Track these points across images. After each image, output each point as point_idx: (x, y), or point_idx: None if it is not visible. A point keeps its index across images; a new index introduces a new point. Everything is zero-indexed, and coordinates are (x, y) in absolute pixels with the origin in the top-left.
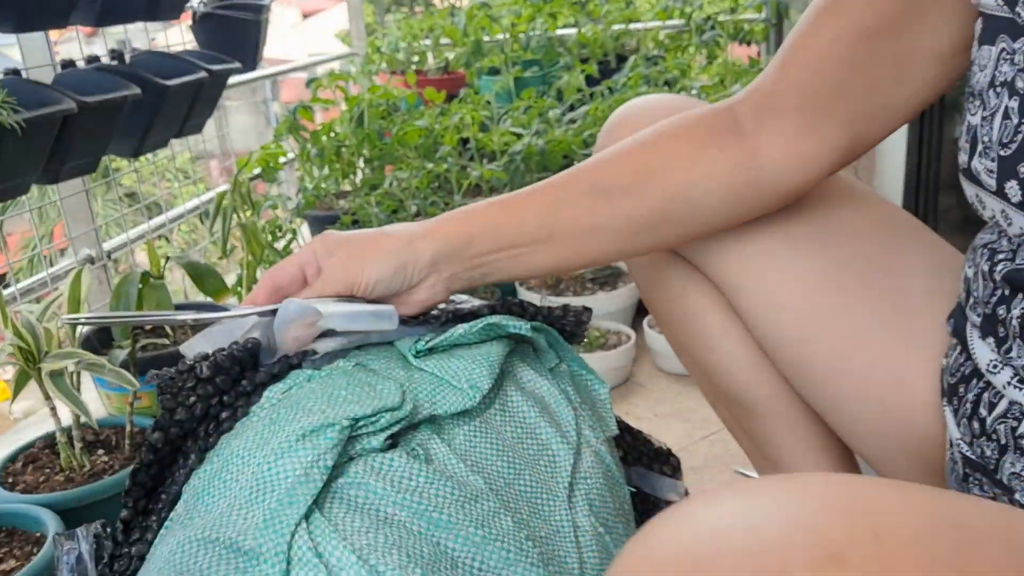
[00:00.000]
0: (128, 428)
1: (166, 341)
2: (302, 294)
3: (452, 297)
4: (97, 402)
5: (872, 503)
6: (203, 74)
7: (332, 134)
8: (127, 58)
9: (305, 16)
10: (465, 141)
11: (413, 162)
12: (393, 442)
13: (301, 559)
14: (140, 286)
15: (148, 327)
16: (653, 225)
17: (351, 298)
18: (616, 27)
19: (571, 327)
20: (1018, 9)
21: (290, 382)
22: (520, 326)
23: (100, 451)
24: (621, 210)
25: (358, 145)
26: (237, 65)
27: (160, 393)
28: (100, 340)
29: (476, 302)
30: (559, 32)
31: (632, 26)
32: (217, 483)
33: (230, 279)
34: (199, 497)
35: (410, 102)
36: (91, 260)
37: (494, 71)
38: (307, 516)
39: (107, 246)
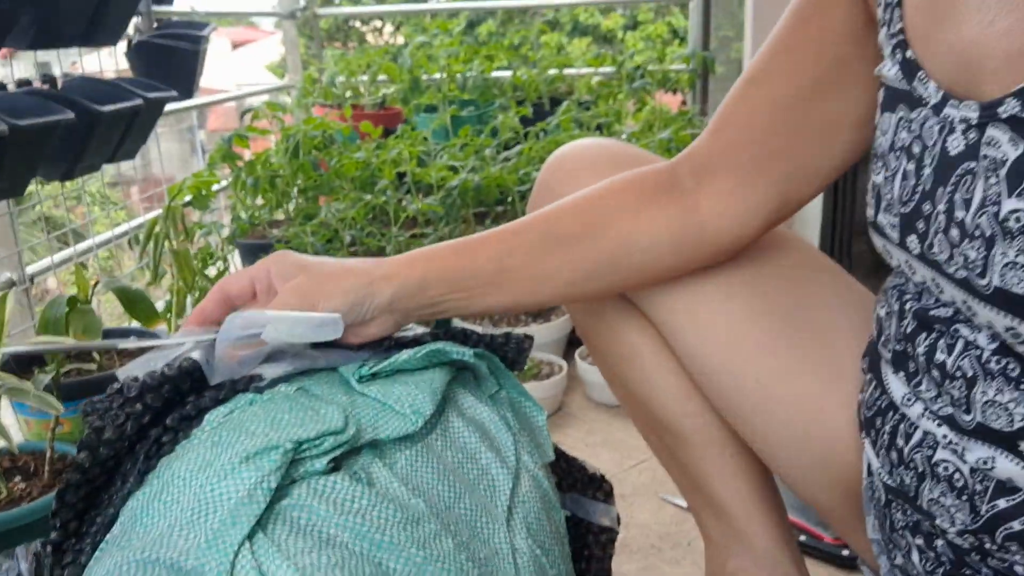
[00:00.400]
0: (49, 454)
1: (92, 367)
2: (249, 307)
3: None
4: (15, 427)
5: None
6: (138, 101)
7: (267, 163)
8: (59, 83)
9: (235, 46)
10: (402, 175)
11: (350, 194)
12: (335, 465)
13: None
14: (67, 310)
15: (72, 353)
16: (602, 273)
17: None
18: (550, 72)
19: (512, 355)
20: (915, 84)
21: (232, 405)
22: (463, 352)
23: (18, 477)
24: (572, 257)
25: (293, 175)
26: (173, 93)
27: (86, 415)
28: (19, 364)
29: (420, 330)
30: (495, 74)
31: (565, 71)
32: (157, 504)
33: (159, 306)
34: (137, 519)
35: (345, 134)
36: (12, 284)
37: (431, 108)
38: (250, 537)
39: (29, 270)
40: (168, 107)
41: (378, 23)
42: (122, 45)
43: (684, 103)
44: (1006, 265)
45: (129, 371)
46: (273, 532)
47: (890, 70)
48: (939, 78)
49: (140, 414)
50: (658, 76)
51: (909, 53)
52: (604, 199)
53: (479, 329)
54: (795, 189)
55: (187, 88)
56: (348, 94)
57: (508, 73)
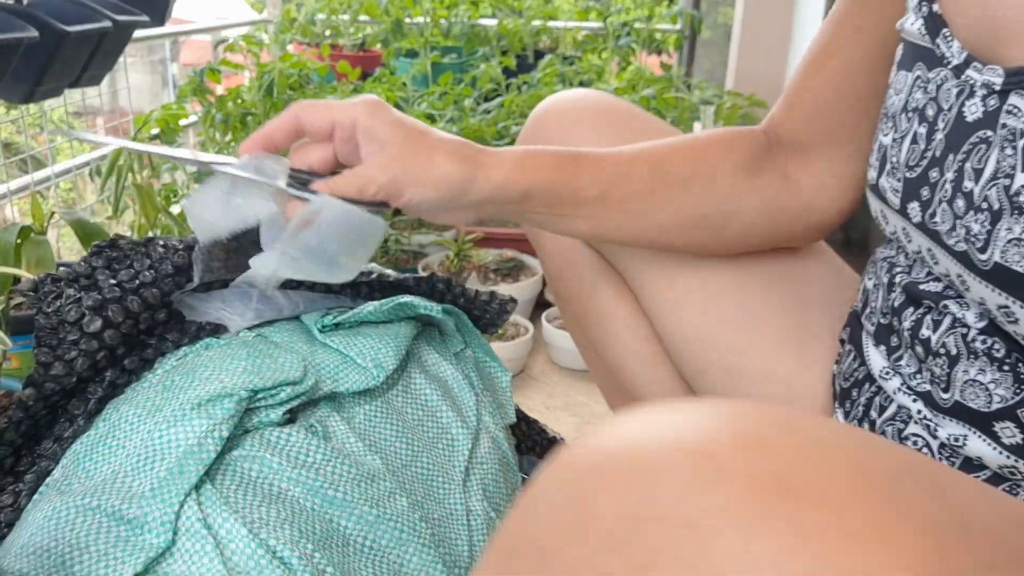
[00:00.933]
0: None
1: None
2: (340, 180)
3: (373, 267)
4: None
5: (794, 416)
6: (107, 23)
7: (239, 100)
8: (25, 1)
9: None
10: None
11: None
12: (291, 417)
13: (189, 530)
14: (19, 240)
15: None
16: (701, 225)
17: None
18: (536, 23)
19: (493, 315)
20: (938, 41)
21: (186, 348)
22: (431, 307)
23: None
24: (678, 200)
25: (265, 114)
26: (145, 18)
27: (37, 345)
28: None
29: (390, 274)
30: (480, 22)
31: (551, 24)
32: (102, 449)
33: None
34: (80, 463)
35: (322, 74)
36: None
37: (412, 53)
38: (197, 487)
39: None
40: (139, 34)
41: None
42: None
43: (673, 62)
44: (1010, 241)
45: (191, 208)
46: (222, 484)
47: (913, 23)
48: (963, 37)
49: (95, 351)
50: (644, 34)
51: (936, 7)
52: (713, 150)
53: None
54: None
55: (160, 14)
56: (327, 33)
57: (494, 22)
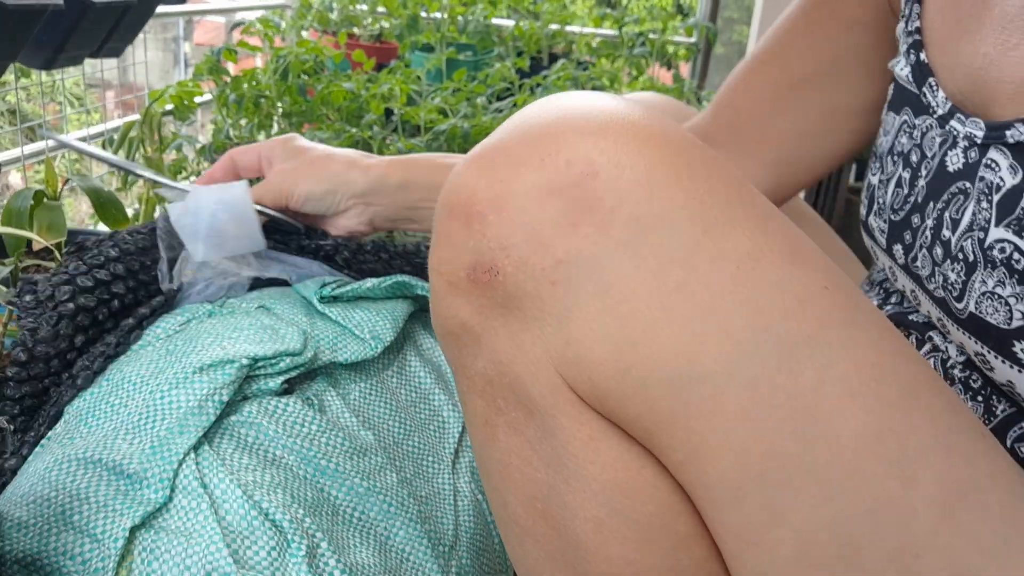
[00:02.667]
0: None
1: (52, 265)
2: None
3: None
4: None
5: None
6: None
7: (254, 83)
8: None
9: None
10: (390, 112)
11: (335, 124)
12: (289, 389)
13: (186, 488)
14: (32, 204)
15: (37, 248)
16: None
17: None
18: (552, 26)
19: None
20: (924, 90)
21: (189, 315)
22: (428, 287)
23: None
24: None
25: (279, 96)
26: None
27: (22, 310)
28: None
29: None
30: (497, 21)
31: (567, 28)
32: (104, 407)
33: (128, 213)
34: (83, 419)
35: (336, 62)
36: None
37: (428, 48)
38: (196, 448)
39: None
40: (164, 9)
41: None
42: None
43: (680, 78)
44: (983, 293)
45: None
46: (219, 446)
47: (902, 69)
48: (950, 89)
49: (73, 314)
50: (658, 44)
51: (923, 56)
52: None
53: None
54: (791, 174)
55: None
56: (344, 22)
57: (510, 22)
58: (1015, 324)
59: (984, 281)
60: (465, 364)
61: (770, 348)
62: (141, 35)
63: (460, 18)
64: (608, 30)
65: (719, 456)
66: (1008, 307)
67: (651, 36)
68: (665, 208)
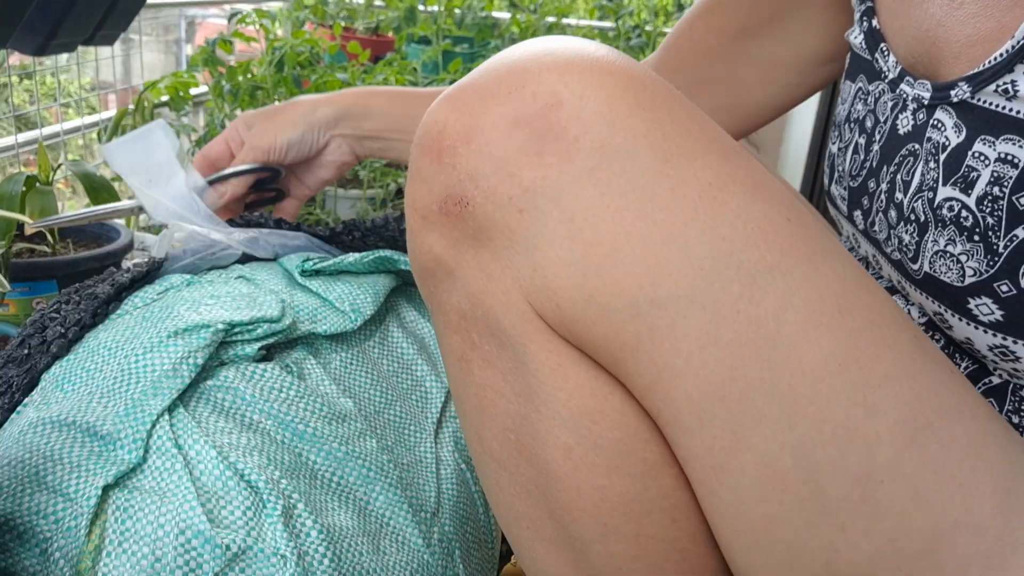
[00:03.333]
0: None
1: (45, 248)
2: (232, 163)
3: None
4: None
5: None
6: None
7: (249, 75)
8: None
9: None
10: None
11: None
12: (268, 357)
13: (160, 448)
14: (24, 189)
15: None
16: None
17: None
18: (549, 19)
19: None
20: (876, 55)
21: (167, 284)
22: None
23: None
24: None
25: (274, 87)
26: None
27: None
28: None
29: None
30: (494, 14)
31: (564, 21)
32: (80, 372)
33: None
34: (59, 385)
35: (332, 53)
36: None
37: (424, 40)
38: (171, 411)
39: None
40: (154, 1)
41: None
42: None
43: None
44: (936, 252)
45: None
46: (195, 409)
47: (856, 37)
48: (900, 53)
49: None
50: (654, 36)
51: (875, 22)
52: None
53: None
54: (729, 121)
55: None
56: (342, 15)
57: (507, 15)
58: (968, 281)
59: (936, 240)
60: (441, 300)
61: (732, 274)
62: (144, 37)
63: (457, 11)
64: (605, 22)
65: (683, 379)
66: (960, 264)
67: (647, 28)
68: (627, 137)
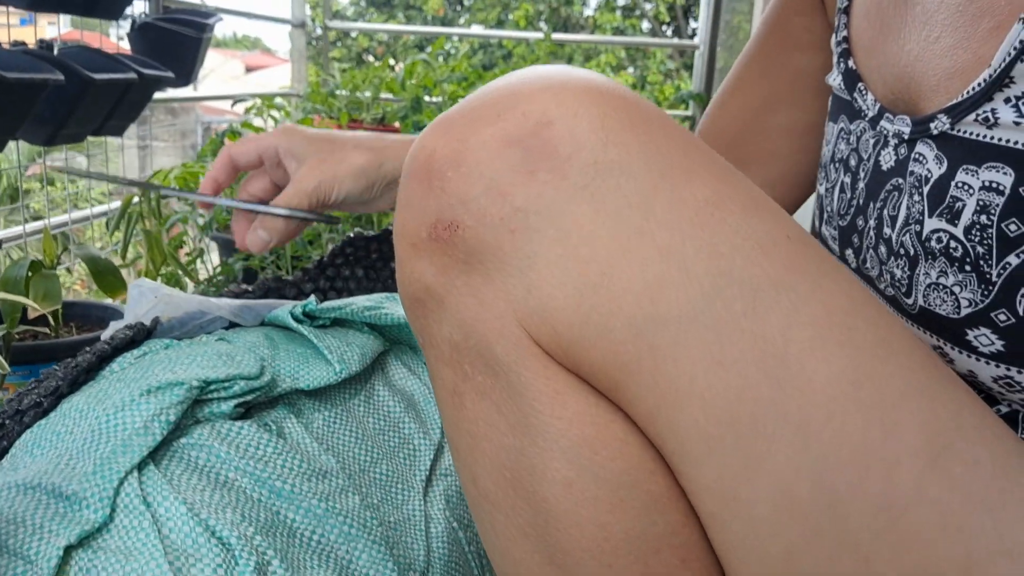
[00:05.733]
0: None
1: (47, 331)
2: (276, 201)
3: None
4: None
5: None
6: (132, 75)
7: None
8: (56, 50)
9: (248, 70)
10: None
11: None
12: (246, 416)
13: (127, 506)
14: (29, 274)
15: (32, 316)
16: None
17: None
18: None
19: None
20: (855, 95)
21: (145, 349)
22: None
23: None
24: None
25: None
26: (169, 74)
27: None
28: None
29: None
30: None
31: None
32: (50, 436)
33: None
34: (28, 450)
35: None
36: None
37: None
38: (140, 468)
39: (0, 234)
40: (163, 96)
41: (379, 50)
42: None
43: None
44: (929, 285)
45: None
46: (167, 468)
47: (835, 79)
48: (879, 91)
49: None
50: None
51: (851, 63)
52: None
53: None
54: (776, 197)
55: (186, 75)
56: (349, 106)
57: None
58: (964, 312)
59: (927, 273)
60: (431, 332)
61: (734, 291)
62: (160, 143)
63: (461, 99)
64: None
65: (688, 403)
66: (954, 296)
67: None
68: (621, 154)
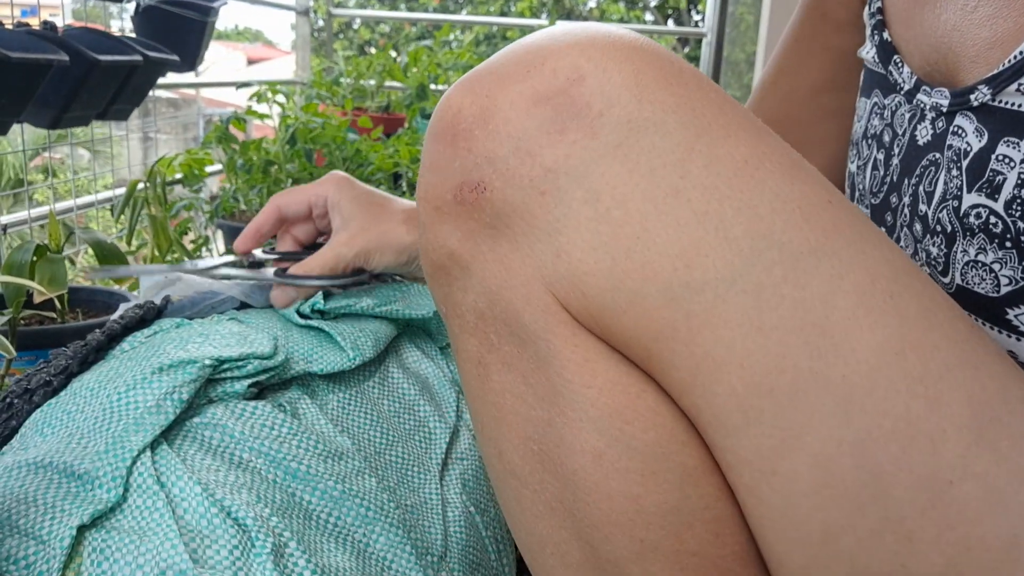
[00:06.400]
0: None
1: (53, 315)
2: (312, 260)
3: None
4: None
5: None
6: (137, 58)
7: (262, 150)
8: (60, 31)
9: (250, 62)
10: (397, 176)
11: None
12: (260, 396)
13: (140, 486)
14: (34, 258)
15: (38, 301)
16: None
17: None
18: None
19: None
20: (890, 68)
21: (156, 328)
22: (422, 313)
23: None
24: None
25: (287, 161)
26: (175, 58)
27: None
28: None
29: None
30: None
31: None
32: (60, 415)
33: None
34: (38, 430)
35: (342, 127)
36: None
37: None
38: (153, 448)
39: (3, 219)
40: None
41: (381, 42)
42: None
43: None
44: (967, 263)
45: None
46: (180, 447)
47: (868, 52)
48: (915, 63)
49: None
50: None
51: (886, 35)
52: None
53: None
54: (836, 181)
55: (190, 59)
56: (354, 94)
57: None
58: (1004, 291)
59: (966, 251)
60: (456, 301)
61: (774, 255)
62: (163, 136)
63: None
64: None
65: (725, 372)
66: (994, 274)
67: None
68: (656, 111)
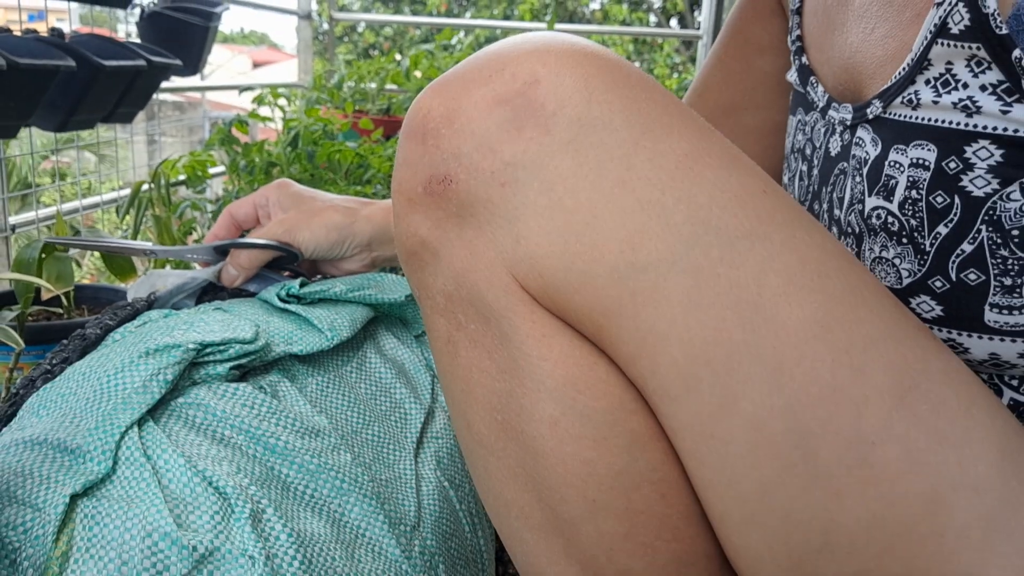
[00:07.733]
0: (4, 393)
1: (59, 311)
2: (255, 231)
3: None
4: None
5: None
6: (142, 62)
7: (264, 152)
8: (67, 38)
9: (255, 66)
10: None
11: (340, 185)
12: (242, 380)
13: (129, 459)
14: (42, 256)
15: (45, 297)
16: None
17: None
18: None
19: None
20: (808, 88)
21: (144, 319)
22: (394, 298)
23: None
24: None
25: (289, 163)
26: (178, 62)
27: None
28: None
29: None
30: None
31: None
32: (54, 397)
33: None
34: (34, 412)
35: (343, 130)
36: None
37: None
38: (140, 425)
39: (12, 220)
40: (178, 83)
41: (385, 45)
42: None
43: None
44: (874, 260)
45: (135, 290)
46: (166, 425)
47: (792, 75)
48: (828, 83)
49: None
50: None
51: (804, 59)
52: None
53: None
54: None
55: (194, 63)
56: (355, 98)
57: None
58: (905, 282)
59: (872, 248)
60: (427, 284)
61: (711, 239)
62: (168, 139)
63: None
64: None
65: (667, 344)
66: (895, 268)
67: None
68: (604, 111)
